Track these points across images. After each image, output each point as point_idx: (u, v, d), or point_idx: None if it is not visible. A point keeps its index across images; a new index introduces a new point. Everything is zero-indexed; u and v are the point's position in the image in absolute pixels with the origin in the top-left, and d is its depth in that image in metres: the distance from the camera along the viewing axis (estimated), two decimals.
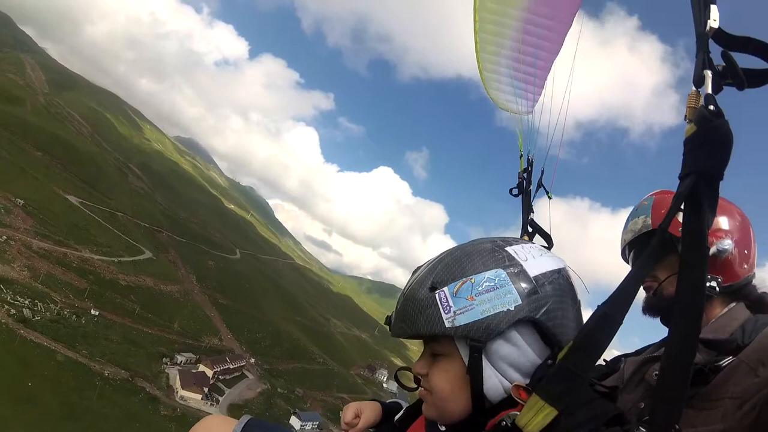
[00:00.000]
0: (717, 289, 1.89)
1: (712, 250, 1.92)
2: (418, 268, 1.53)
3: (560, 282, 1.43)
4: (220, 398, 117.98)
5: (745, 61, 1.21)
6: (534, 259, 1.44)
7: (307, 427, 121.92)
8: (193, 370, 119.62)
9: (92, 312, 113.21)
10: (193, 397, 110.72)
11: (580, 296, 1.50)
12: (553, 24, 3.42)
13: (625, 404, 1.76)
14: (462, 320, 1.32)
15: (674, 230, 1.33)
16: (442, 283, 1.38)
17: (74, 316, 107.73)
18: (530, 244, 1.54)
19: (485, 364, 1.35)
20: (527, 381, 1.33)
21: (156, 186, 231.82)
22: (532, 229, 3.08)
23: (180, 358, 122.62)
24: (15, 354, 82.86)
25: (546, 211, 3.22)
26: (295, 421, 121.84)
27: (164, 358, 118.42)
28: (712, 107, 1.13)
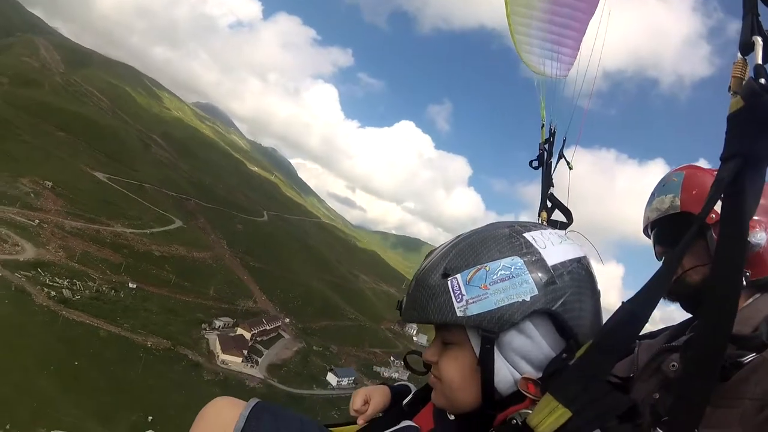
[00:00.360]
0: (744, 283, 1.66)
1: None
2: (432, 252, 1.46)
3: (579, 272, 1.35)
4: (259, 359, 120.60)
5: None
6: (553, 247, 1.36)
7: (343, 383, 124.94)
8: (231, 334, 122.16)
9: (130, 285, 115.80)
10: (233, 360, 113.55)
11: (599, 286, 1.42)
12: None
13: (638, 393, 1.67)
14: (474, 310, 1.26)
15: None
16: (455, 269, 1.32)
17: (113, 291, 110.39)
18: (550, 230, 1.45)
19: (497, 355, 1.29)
20: (539, 374, 1.28)
21: (179, 154, 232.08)
22: (551, 204, 2.99)
23: (218, 323, 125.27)
24: (59, 335, 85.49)
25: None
26: (332, 378, 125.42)
27: (203, 324, 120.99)
28: (763, 80, 1.01)
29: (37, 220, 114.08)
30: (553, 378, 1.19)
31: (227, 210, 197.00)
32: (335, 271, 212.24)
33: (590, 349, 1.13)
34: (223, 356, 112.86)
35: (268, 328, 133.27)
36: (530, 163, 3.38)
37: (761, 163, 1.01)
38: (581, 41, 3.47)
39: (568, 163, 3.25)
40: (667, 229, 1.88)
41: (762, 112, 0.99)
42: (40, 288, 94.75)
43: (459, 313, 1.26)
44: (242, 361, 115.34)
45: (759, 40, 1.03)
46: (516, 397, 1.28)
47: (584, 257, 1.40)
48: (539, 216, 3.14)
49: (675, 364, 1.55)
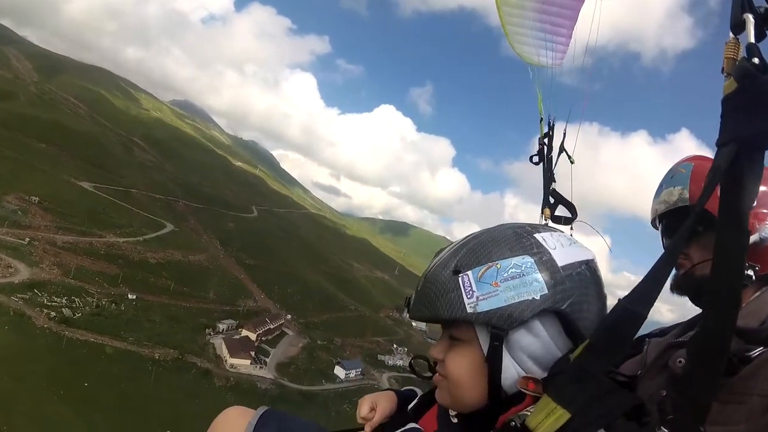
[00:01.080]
0: (753, 278, 1.61)
1: (754, 237, 1.60)
2: (441, 250, 1.46)
3: (587, 274, 1.34)
4: (267, 360, 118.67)
5: None
6: (563, 248, 1.35)
7: (351, 375, 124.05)
8: (237, 337, 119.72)
9: (129, 296, 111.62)
10: (242, 363, 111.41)
11: (606, 290, 1.40)
12: None
13: (645, 390, 1.60)
14: (484, 306, 1.25)
15: (712, 206, 1.22)
16: (466, 266, 1.32)
17: (113, 304, 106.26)
18: (559, 233, 1.45)
19: (505, 353, 1.28)
20: (545, 374, 1.26)
21: (163, 155, 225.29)
22: (554, 200, 2.93)
23: (222, 326, 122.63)
24: (65, 356, 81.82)
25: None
26: (339, 371, 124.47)
27: (207, 329, 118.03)
28: (756, 60, 0.94)
29: (27, 239, 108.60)
30: (552, 379, 1.18)
31: (217, 209, 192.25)
32: (329, 262, 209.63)
33: (586, 348, 1.10)
34: (231, 360, 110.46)
35: (272, 326, 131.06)
36: (530, 158, 3.26)
37: (759, 146, 0.95)
38: (574, 28, 3.38)
39: (569, 157, 3.16)
40: (676, 222, 1.81)
41: (757, 93, 0.92)
42: (39, 309, 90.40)
43: (469, 310, 1.26)
44: (251, 363, 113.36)
45: (750, 18, 0.97)
46: (519, 396, 1.25)
47: (592, 260, 1.39)
48: (542, 213, 3.04)
49: (682, 360, 1.48)
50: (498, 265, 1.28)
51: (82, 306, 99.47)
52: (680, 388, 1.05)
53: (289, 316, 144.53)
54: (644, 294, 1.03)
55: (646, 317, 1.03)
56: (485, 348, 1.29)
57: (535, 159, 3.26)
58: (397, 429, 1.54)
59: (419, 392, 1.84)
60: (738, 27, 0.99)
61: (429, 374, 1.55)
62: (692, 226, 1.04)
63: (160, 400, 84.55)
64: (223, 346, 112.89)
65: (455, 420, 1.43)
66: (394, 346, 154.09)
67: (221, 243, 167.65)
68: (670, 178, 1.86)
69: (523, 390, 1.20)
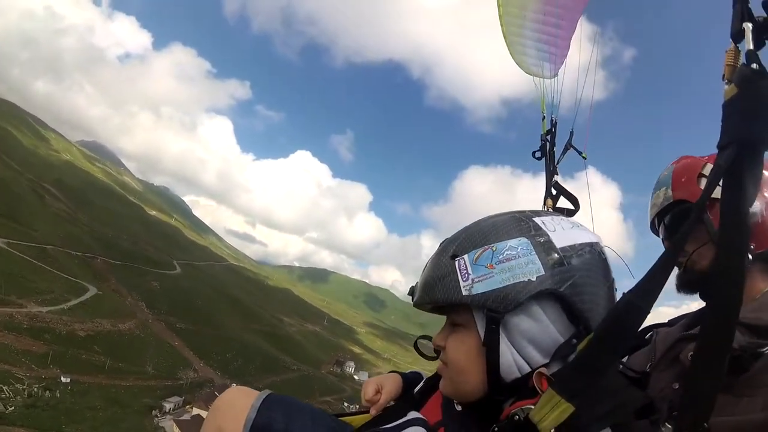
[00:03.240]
0: (750, 257, 1.53)
1: None
2: (445, 240, 1.40)
3: (590, 257, 1.27)
4: None
5: None
6: (563, 231, 1.30)
7: None
8: (187, 416, 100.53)
9: (62, 380, 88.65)
10: None
11: (614, 275, 1.32)
12: None
13: (655, 384, 1.55)
14: (479, 288, 1.20)
15: (692, 198, 1.25)
16: (463, 250, 1.27)
17: (47, 391, 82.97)
18: (561, 217, 1.39)
19: (502, 338, 1.22)
20: (547, 360, 1.20)
21: (76, 205, 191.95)
22: (556, 192, 2.93)
23: (168, 406, 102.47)
24: None
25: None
26: None
27: (153, 411, 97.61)
28: (755, 66, 0.96)
29: None
30: (557, 372, 1.13)
31: (137, 265, 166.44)
32: (261, 319, 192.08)
33: (591, 342, 1.06)
34: None
35: None
36: (533, 154, 3.27)
37: (758, 148, 0.96)
38: (571, 38, 3.39)
39: (580, 153, 3.19)
40: (668, 221, 1.83)
41: (756, 97, 0.94)
42: None
43: (464, 292, 1.22)
44: None
45: (749, 26, 1.00)
46: (523, 384, 1.20)
47: (597, 243, 1.32)
48: (544, 203, 3.05)
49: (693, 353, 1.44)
50: (494, 248, 1.24)
51: (13, 396, 75.79)
52: (685, 383, 1.04)
53: (234, 385, 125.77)
54: (648, 288, 1.01)
55: (649, 311, 1.01)
56: (482, 332, 1.23)
57: (538, 154, 3.24)
58: (401, 412, 1.48)
59: (424, 375, 1.77)
60: (738, 35, 1.01)
61: (433, 355, 1.48)
62: (696, 220, 1.03)
63: None
64: (176, 429, 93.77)
65: (459, 407, 1.37)
66: (345, 404, 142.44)
67: (147, 305, 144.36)
68: (656, 183, 1.90)
69: (539, 390, 1.13)
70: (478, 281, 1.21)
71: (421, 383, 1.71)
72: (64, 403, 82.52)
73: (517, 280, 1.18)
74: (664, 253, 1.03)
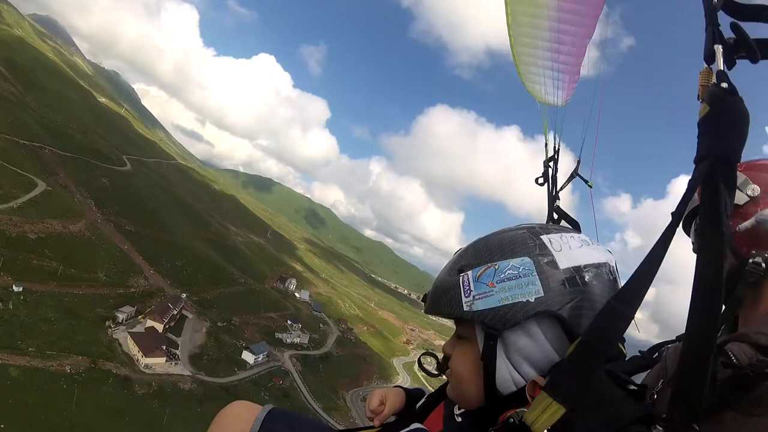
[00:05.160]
0: (764, 265, 1.45)
1: (750, 221, 1.52)
2: (459, 249, 1.44)
3: (597, 277, 1.26)
4: (178, 352, 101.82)
5: (762, 31, 1.08)
6: (570, 251, 1.28)
7: (259, 359, 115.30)
8: (142, 329, 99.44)
9: (14, 289, 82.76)
10: (157, 362, 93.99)
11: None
12: (585, 9, 3.26)
13: (666, 400, 1.41)
14: (479, 305, 1.23)
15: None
16: (468, 266, 1.30)
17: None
18: (572, 234, 1.37)
19: (499, 353, 1.25)
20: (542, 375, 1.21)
21: (26, 87, 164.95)
22: (558, 216, 2.92)
23: (121, 316, 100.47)
24: None
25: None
26: (248, 356, 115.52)
27: (107, 322, 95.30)
28: (724, 84, 1.01)
29: None
30: (548, 378, 1.12)
31: (86, 158, 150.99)
32: (209, 227, 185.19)
33: (578, 346, 1.07)
34: (145, 360, 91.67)
35: (175, 312, 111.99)
36: (536, 180, 3.28)
37: (731, 161, 1.00)
38: (581, 65, 3.43)
39: (586, 182, 3.20)
40: (689, 222, 1.72)
41: (726, 114, 0.99)
42: None
43: (465, 308, 1.24)
44: (166, 361, 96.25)
45: (719, 48, 1.04)
46: (521, 398, 1.20)
47: (605, 263, 1.30)
48: None
49: None
50: (496, 266, 1.25)
51: None
52: (673, 387, 1.04)
53: (184, 295, 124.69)
54: (631, 294, 1.03)
55: (632, 317, 1.03)
56: (481, 346, 1.27)
57: (540, 180, 3.26)
58: (403, 426, 1.47)
59: (427, 391, 1.80)
60: (710, 57, 1.05)
61: (436, 373, 1.54)
62: (673, 229, 1.05)
63: (87, 427, 65.67)
64: (131, 343, 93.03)
65: (459, 419, 1.39)
66: (288, 322, 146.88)
67: (97, 204, 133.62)
68: None
69: (530, 396, 1.13)
70: (479, 298, 1.23)
71: (424, 398, 1.73)
72: (18, 316, 78.05)
73: (516, 300, 1.20)
74: (645, 259, 1.03)
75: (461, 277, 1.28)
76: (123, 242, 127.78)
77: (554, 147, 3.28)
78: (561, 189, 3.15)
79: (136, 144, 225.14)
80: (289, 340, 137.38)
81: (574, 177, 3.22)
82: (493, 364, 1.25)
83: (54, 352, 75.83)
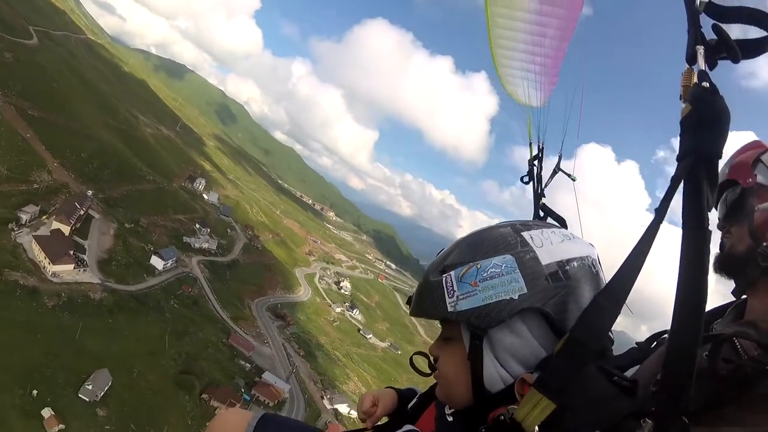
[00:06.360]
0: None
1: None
2: (443, 249, 1.43)
3: (579, 271, 1.25)
4: (85, 258, 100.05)
5: (742, 31, 1.09)
6: (551, 246, 1.27)
7: (168, 265, 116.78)
8: (47, 232, 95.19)
9: None
10: (65, 270, 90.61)
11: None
12: (563, 12, 3.28)
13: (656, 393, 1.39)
14: (463, 306, 1.22)
15: (742, 180, 1.32)
16: (451, 267, 1.29)
17: None
18: (552, 229, 1.36)
19: (485, 352, 1.24)
20: (530, 372, 1.17)
21: None
22: (544, 213, 2.81)
23: (24, 217, 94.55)
24: None
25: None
26: (157, 261, 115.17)
27: (9, 225, 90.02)
28: (706, 84, 1.02)
29: None
30: (537, 375, 1.11)
31: None
32: (117, 114, 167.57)
33: (567, 343, 1.05)
34: (53, 268, 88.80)
35: (81, 212, 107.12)
36: (521, 178, 3.23)
37: (712, 158, 1.01)
38: (560, 66, 3.45)
39: (569, 176, 3.22)
40: (720, 197, 1.70)
41: (707, 112, 1.00)
42: None
43: (449, 309, 1.24)
44: (74, 268, 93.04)
45: (701, 49, 1.06)
46: (508, 395, 1.19)
47: (587, 257, 1.30)
48: None
49: (707, 354, 1.28)
50: (478, 265, 1.25)
51: None
52: (661, 379, 1.03)
53: (90, 193, 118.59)
54: (617, 289, 1.03)
55: (619, 312, 1.03)
56: (467, 346, 1.27)
57: (526, 179, 3.20)
58: (395, 427, 1.47)
59: (418, 391, 1.81)
60: (692, 58, 1.07)
61: (428, 372, 1.56)
62: (657, 225, 1.05)
63: (5, 347, 67.48)
64: (37, 248, 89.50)
65: (450, 419, 1.39)
66: (197, 226, 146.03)
67: None
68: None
69: (518, 394, 1.12)
70: (463, 298, 1.22)
71: (415, 398, 1.74)
72: None
73: (500, 299, 1.19)
74: (631, 252, 1.04)
75: (444, 278, 1.28)
76: (25, 129, 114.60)
77: (538, 146, 3.26)
78: (546, 186, 3.11)
79: (43, 13, 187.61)
80: (197, 245, 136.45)
81: (556, 172, 3.18)
82: (480, 363, 1.25)
83: None
